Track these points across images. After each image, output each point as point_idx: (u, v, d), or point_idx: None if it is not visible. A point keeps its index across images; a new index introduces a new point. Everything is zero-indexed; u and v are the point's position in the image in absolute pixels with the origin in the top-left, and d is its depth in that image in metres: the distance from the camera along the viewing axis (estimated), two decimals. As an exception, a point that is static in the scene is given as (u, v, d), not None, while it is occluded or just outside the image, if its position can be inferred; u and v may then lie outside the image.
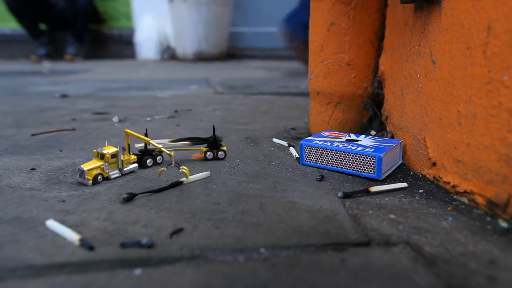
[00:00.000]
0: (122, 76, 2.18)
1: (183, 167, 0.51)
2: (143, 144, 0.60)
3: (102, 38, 3.84)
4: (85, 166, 0.51)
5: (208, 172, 0.55)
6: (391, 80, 0.66)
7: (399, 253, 0.35)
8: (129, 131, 0.56)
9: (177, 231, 0.39)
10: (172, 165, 0.52)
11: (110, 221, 0.41)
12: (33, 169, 0.58)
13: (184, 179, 0.52)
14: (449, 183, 0.48)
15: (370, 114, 0.73)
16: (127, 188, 0.50)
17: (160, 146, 0.55)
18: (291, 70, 2.56)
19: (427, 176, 0.53)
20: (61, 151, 0.68)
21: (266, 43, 4.33)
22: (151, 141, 0.56)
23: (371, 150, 0.54)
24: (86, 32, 3.51)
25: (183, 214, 0.43)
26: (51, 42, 3.49)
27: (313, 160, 0.59)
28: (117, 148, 0.55)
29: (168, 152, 0.53)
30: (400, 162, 0.60)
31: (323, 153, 0.58)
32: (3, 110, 1.11)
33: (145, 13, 3.63)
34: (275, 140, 0.75)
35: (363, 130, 0.74)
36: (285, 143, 0.72)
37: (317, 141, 0.59)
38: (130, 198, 0.46)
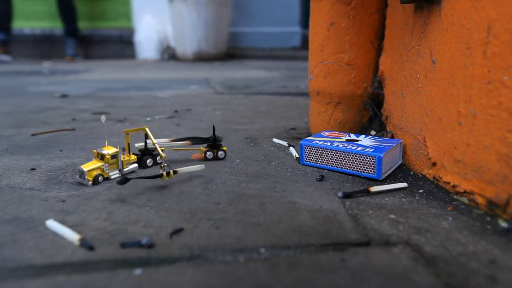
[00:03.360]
0: (122, 76, 2.18)
1: (164, 175, 0.51)
2: (143, 144, 0.60)
3: (102, 38, 3.84)
4: (85, 167, 0.51)
5: (203, 165, 0.55)
6: (391, 80, 0.66)
7: (399, 253, 0.35)
8: (129, 130, 0.56)
9: (177, 231, 0.39)
10: (163, 166, 0.52)
11: (110, 221, 0.41)
12: (33, 169, 0.58)
13: (179, 169, 0.52)
14: (449, 183, 0.48)
15: (370, 114, 0.73)
16: (127, 188, 0.50)
17: (155, 141, 0.55)
18: (291, 70, 2.56)
19: (427, 176, 0.53)
20: (61, 151, 0.68)
21: (266, 43, 4.34)
22: (150, 135, 0.56)
23: (371, 150, 0.54)
24: (76, 27, 3.48)
25: (183, 214, 0.43)
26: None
27: (313, 160, 0.59)
28: (117, 148, 0.55)
29: (160, 152, 0.54)
30: (400, 162, 0.60)
31: (323, 153, 0.58)
32: (3, 110, 1.11)
33: (145, 13, 3.63)
34: (275, 140, 0.75)
35: (363, 130, 0.74)
36: (285, 143, 0.72)
37: (317, 141, 0.59)
38: (124, 181, 0.47)
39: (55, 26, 3.63)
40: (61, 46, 3.58)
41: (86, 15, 3.80)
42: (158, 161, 0.60)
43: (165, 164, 0.52)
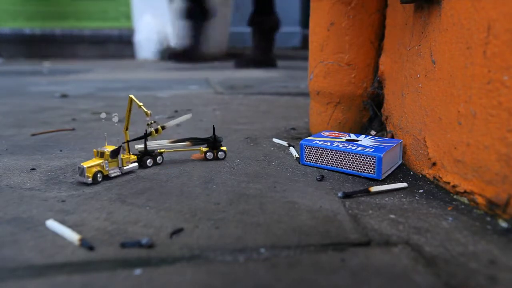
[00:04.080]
0: (122, 76, 2.18)
1: (153, 131, 0.54)
2: (142, 145, 0.60)
3: (103, 38, 3.84)
4: (85, 164, 0.51)
5: (190, 114, 0.59)
6: (391, 80, 0.66)
7: (399, 253, 0.35)
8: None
9: (177, 231, 0.39)
10: (150, 124, 0.54)
11: (110, 221, 0.41)
12: (33, 169, 0.58)
13: (166, 124, 0.53)
14: (449, 183, 0.48)
15: (370, 114, 0.73)
16: (127, 188, 0.50)
17: (141, 104, 0.55)
18: (291, 70, 2.56)
19: (427, 176, 0.53)
20: (61, 151, 0.68)
21: (266, 43, 4.32)
22: (136, 100, 0.55)
23: (371, 150, 0.54)
24: None
25: (183, 214, 0.43)
26: None
27: (313, 160, 0.59)
28: (116, 147, 0.55)
29: (144, 110, 0.54)
30: (400, 162, 0.60)
31: (323, 153, 0.58)
32: (3, 110, 1.11)
33: (145, 13, 3.63)
34: (275, 140, 0.75)
35: (363, 130, 0.74)
36: (285, 143, 0.72)
37: (317, 141, 0.59)
38: (116, 152, 0.52)
39: (53, 26, 3.62)
40: (61, 46, 3.57)
41: (87, 15, 3.80)
42: (158, 161, 0.60)
43: (152, 121, 0.53)
